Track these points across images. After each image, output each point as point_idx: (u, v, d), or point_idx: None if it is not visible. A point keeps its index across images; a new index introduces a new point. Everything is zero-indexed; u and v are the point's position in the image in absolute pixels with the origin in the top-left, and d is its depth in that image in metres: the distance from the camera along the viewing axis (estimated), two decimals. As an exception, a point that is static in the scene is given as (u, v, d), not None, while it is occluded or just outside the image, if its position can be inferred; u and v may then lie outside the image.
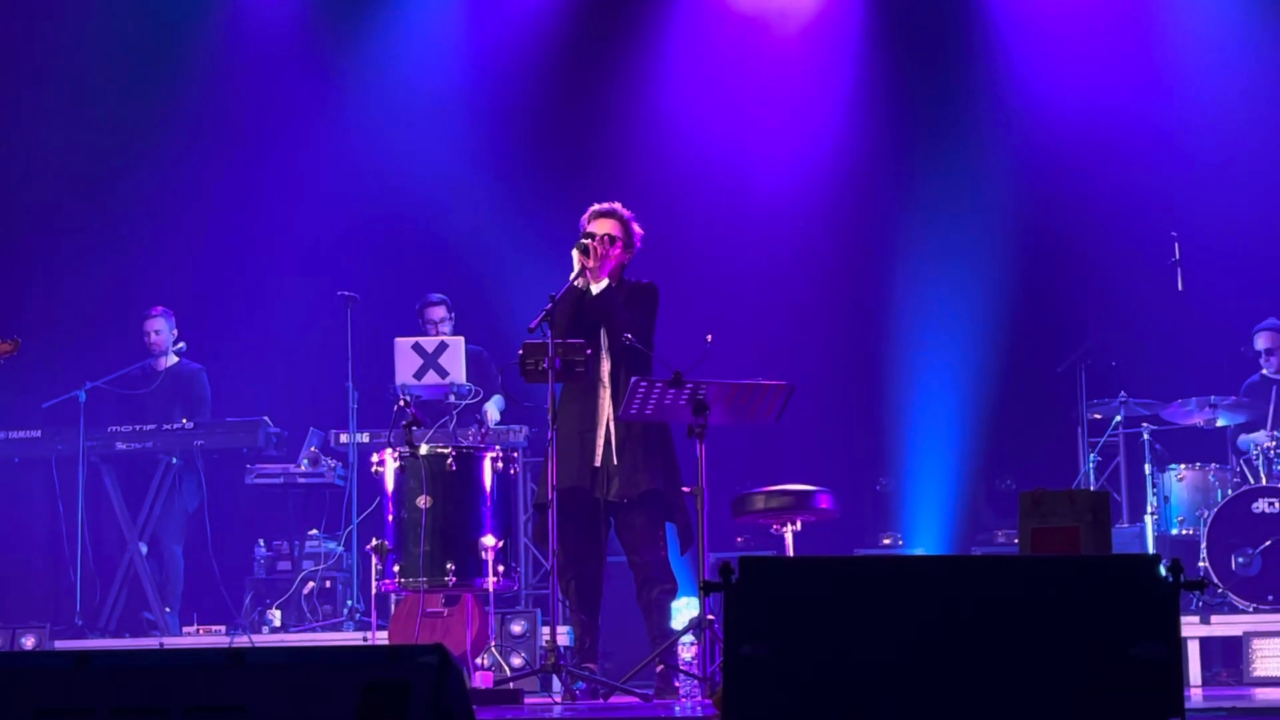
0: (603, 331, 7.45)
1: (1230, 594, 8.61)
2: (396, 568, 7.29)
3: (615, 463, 7.36)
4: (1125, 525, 9.50)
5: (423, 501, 7.27)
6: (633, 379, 7.10)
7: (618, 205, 7.63)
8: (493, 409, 9.63)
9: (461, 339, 9.27)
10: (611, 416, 7.38)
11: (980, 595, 3.72)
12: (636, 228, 7.64)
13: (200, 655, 3.64)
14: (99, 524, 9.90)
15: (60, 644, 9.11)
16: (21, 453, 9.90)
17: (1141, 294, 10.10)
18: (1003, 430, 10.30)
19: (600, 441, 7.39)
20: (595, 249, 7.38)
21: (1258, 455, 9.04)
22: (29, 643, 9.04)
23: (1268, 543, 8.60)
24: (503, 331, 9.72)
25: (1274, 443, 8.97)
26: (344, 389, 9.63)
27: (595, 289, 7.42)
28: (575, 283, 7.42)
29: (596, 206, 7.62)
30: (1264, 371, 9.62)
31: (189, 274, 10.78)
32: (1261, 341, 9.58)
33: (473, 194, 10.71)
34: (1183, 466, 9.26)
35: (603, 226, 7.53)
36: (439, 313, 9.78)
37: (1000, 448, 10.34)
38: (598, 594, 7.54)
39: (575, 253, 7.41)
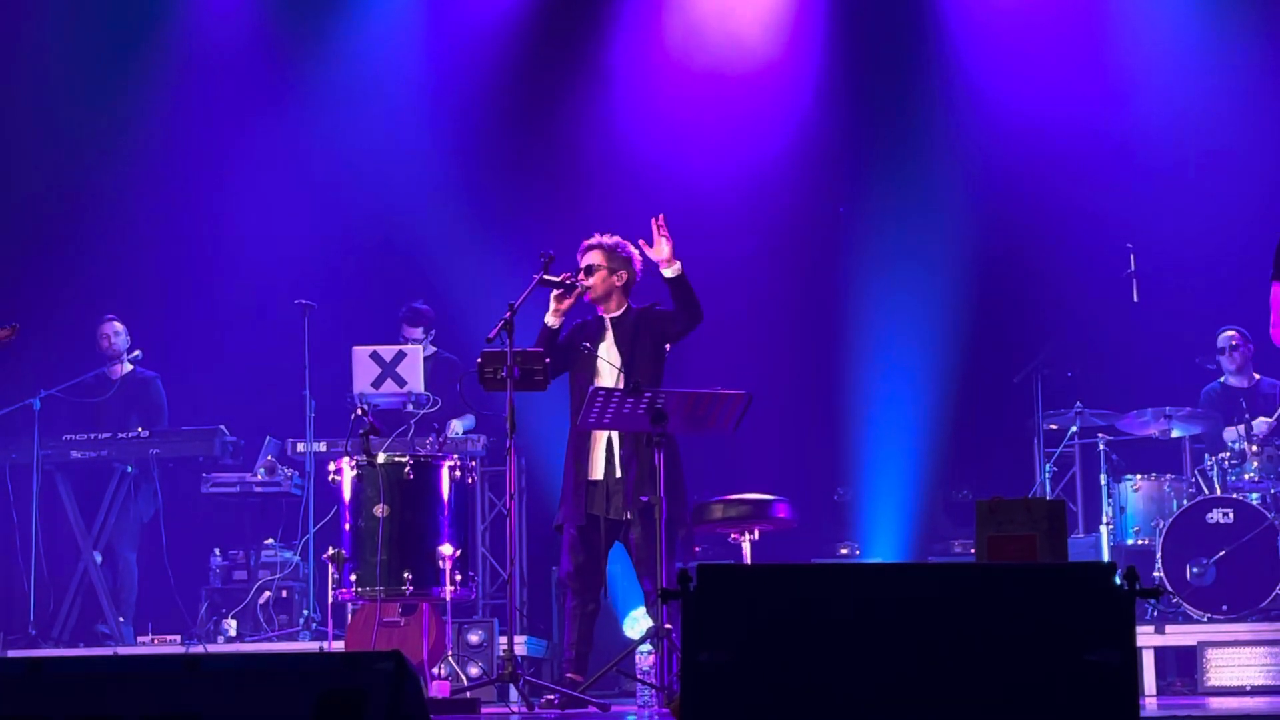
0: (609, 356, 7.47)
1: (1185, 604, 8.64)
2: (353, 577, 7.26)
3: (618, 477, 7.41)
4: (1081, 535, 9.53)
5: (380, 510, 7.24)
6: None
7: (600, 236, 7.68)
8: (458, 426, 9.53)
9: (419, 348, 9.25)
10: (616, 434, 7.43)
11: (937, 602, 3.73)
12: (630, 250, 7.66)
13: (155, 662, 3.61)
14: (53, 533, 9.83)
15: (13, 654, 9.03)
16: (-25, 461, 9.83)
17: (1097, 305, 10.15)
18: (959, 440, 10.32)
19: (601, 459, 7.43)
20: (577, 285, 7.44)
21: (1212, 466, 9.08)
22: (-18, 652, 8.98)
23: (1222, 553, 8.64)
24: (462, 339, 9.69)
25: (1228, 453, 9.01)
26: (301, 397, 9.58)
27: (611, 331, 7.50)
28: (548, 322, 7.47)
29: (583, 243, 7.69)
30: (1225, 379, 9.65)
31: (144, 281, 10.71)
32: None
33: (432, 201, 10.67)
34: (1138, 477, 9.30)
35: (584, 260, 7.60)
36: (415, 334, 9.69)
37: (957, 458, 10.36)
38: (596, 612, 7.60)
39: (553, 293, 7.45)
